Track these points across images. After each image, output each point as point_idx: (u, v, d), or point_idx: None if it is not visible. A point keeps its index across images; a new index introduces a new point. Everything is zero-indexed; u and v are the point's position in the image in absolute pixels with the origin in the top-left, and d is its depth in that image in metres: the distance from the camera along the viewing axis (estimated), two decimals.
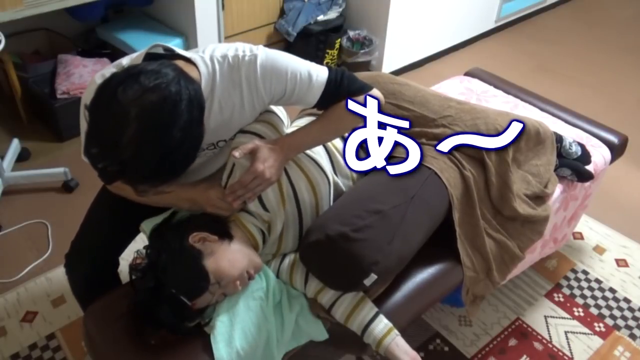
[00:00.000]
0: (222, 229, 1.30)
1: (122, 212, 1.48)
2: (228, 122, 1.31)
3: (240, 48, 1.26)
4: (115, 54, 2.94)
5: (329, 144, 1.48)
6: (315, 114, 1.51)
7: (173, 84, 1.03)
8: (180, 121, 1.02)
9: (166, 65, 1.08)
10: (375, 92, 1.37)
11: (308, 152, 1.39)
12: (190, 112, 1.05)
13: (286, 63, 1.27)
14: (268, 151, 1.28)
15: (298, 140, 1.34)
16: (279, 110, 1.44)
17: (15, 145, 2.55)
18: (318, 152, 1.43)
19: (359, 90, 1.34)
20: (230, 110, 1.28)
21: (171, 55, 1.23)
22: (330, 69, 1.33)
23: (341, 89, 1.32)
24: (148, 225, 1.40)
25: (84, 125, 1.17)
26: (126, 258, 1.44)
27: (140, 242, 1.56)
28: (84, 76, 2.68)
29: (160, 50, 1.24)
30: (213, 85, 1.24)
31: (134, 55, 1.26)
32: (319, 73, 1.30)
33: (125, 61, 1.24)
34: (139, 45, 2.76)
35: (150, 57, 1.21)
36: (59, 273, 2.08)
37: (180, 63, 1.19)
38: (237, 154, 1.25)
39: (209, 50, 1.26)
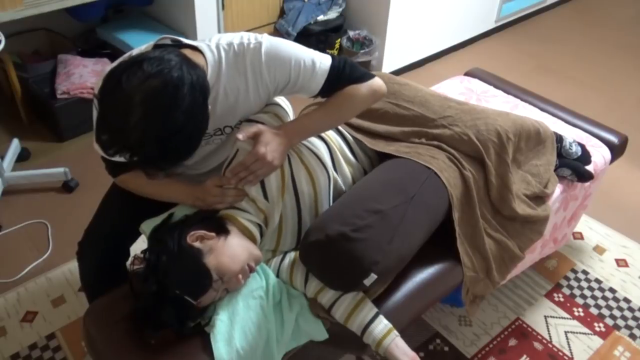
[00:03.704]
0: (218, 225, 1.30)
1: (134, 201, 1.49)
2: (233, 108, 1.33)
3: (246, 36, 1.30)
4: (115, 54, 2.94)
5: (330, 141, 1.49)
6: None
7: (175, 69, 1.07)
8: (183, 104, 1.06)
9: (169, 51, 1.12)
10: (377, 80, 1.39)
11: (309, 145, 1.40)
12: (193, 95, 1.08)
13: (290, 51, 1.29)
14: (271, 135, 1.29)
15: (301, 126, 1.36)
16: (284, 103, 1.46)
17: (15, 145, 2.56)
18: (319, 147, 1.43)
19: (361, 78, 1.36)
20: (235, 96, 1.31)
21: (178, 45, 1.26)
22: (333, 57, 1.35)
23: (344, 77, 1.34)
24: (148, 226, 1.40)
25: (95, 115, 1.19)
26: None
27: (141, 242, 1.56)
28: (84, 76, 2.68)
29: (168, 42, 1.27)
30: (219, 72, 1.27)
31: (142, 47, 1.30)
32: (322, 60, 1.32)
33: (135, 53, 1.26)
34: (139, 45, 2.72)
35: (158, 47, 1.23)
36: (59, 273, 2.09)
37: (187, 51, 1.22)
38: (240, 136, 1.27)
39: (215, 38, 1.30)
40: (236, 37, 1.29)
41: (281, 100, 1.45)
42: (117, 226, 1.52)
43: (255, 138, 1.29)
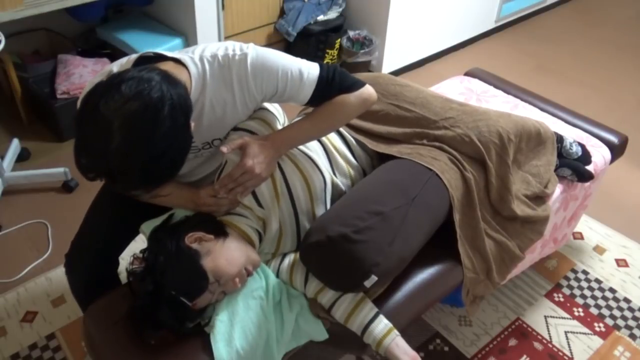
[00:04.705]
0: (217, 228, 1.30)
1: (121, 212, 1.48)
2: (221, 121, 1.31)
3: (230, 47, 1.26)
4: (115, 54, 2.94)
5: (327, 143, 1.49)
6: None
7: (155, 90, 1.03)
8: (164, 128, 1.03)
9: (149, 70, 1.08)
10: (367, 88, 1.37)
11: (304, 149, 1.39)
12: (174, 118, 1.04)
13: (277, 61, 1.27)
14: (258, 147, 1.28)
15: (289, 136, 1.34)
16: (274, 108, 1.44)
17: (15, 145, 2.55)
18: (315, 150, 1.43)
19: (351, 87, 1.34)
20: (222, 108, 1.29)
21: (161, 57, 1.23)
22: (321, 66, 1.33)
23: (333, 86, 1.32)
24: (148, 226, 1.39)
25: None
26: (125, 258, 1.44)
27: (140, 242, 1.56)
28: (84, 76, 2.68)
29: (151, 54, 1.24)
30: (204, 85, 1.24)
31: (123, 60, 1.26)
32: (310, 70, 1.30)
33: (115, 67, 1.24)
34: (139, 45, 2.76)
35: (139, 60, 1.21)
36: (59, 273, 2.08)
37: (169, 65, 1.19)
38: (225, 149, 1.25)
39: (199, 50, 1.26)
40: (220, 48, 1.26)
41: (270, 104, 1.42)
42: (104, 237, 1.49)
43: (241, 149, 1.28)
